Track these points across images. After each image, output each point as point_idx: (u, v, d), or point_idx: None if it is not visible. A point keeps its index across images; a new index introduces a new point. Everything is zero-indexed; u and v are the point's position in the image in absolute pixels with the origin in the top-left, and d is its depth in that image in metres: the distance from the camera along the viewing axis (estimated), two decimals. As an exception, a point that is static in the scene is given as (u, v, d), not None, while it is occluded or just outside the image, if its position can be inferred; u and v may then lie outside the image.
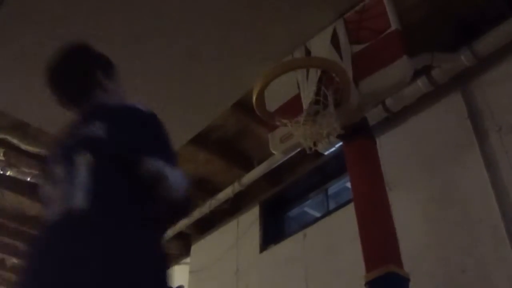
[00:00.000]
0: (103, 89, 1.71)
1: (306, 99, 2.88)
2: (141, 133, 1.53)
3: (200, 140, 4.22)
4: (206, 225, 5.11)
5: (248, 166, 4.54)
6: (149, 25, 3.20)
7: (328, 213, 4.17)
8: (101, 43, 3.20)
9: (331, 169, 4.24)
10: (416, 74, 3.31)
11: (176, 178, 1.46)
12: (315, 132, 2.75)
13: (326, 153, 3.95)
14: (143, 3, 3.09)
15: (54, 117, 3.79)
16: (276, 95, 3.16)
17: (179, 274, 4.96)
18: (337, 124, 2.73)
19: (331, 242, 3.83)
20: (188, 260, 5.37)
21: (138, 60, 3.40)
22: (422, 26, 3.32)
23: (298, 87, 3.07)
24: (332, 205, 4.29)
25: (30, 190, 4.92)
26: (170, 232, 4.79)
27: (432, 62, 3.35)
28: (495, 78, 3.31)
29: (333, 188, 4.41)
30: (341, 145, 3.18)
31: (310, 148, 2.83)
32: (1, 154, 4.33)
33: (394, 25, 2.89)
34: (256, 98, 2.88)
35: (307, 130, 2.77)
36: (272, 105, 3.18)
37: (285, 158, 3.97)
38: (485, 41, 3.23)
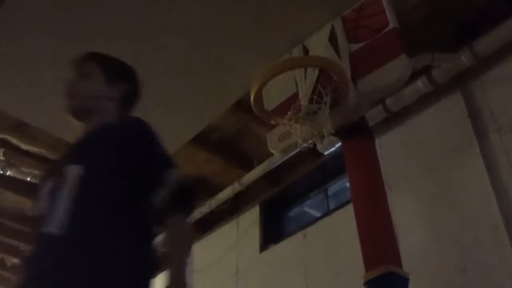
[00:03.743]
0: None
1: (304, 98, 2.87)
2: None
3: (200, 140, 4.21)
4: (206, 225, 5.11)
5: (248, 166, 4.54)
6: (150, 25, 3.20)
7: (328, 213, 4.16)
8: (99, 42, 3.24)
9: (331, 169, 4.24)
10: (416, 74, 3.31)
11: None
12: (311, 131, 2.75)
13: (326, 153, 3.95)
14: (143, 3, 3.09)
15: (54, 117, 3.82)
16: (274, 94, 3.15)
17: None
18: (330, 124, 2.72)
19: (331, 242, 3.83)
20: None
21: (137, 60, 3.40)
22: (422, 26, 3.32)
23: (296, 86, 3.07)
24: (332, 205, 4.28)
25: (30, 190, 4.92)
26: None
27: (432, 62, 3.35)
28: (495, 78, 3.30)
29: (333, 188, 4.41)
30: (341, 145, 3.18)
31: (305, 147, 2.83)
32: (1, 154, 4.33)
33: (392, 23, 2.88)
34: (254, 97, 2.88)
35: (303, 129, 2.76)
36: (270, 104, 3.18)
37: (285, 158, 3.97)
38: (485, 41, 3.22)
